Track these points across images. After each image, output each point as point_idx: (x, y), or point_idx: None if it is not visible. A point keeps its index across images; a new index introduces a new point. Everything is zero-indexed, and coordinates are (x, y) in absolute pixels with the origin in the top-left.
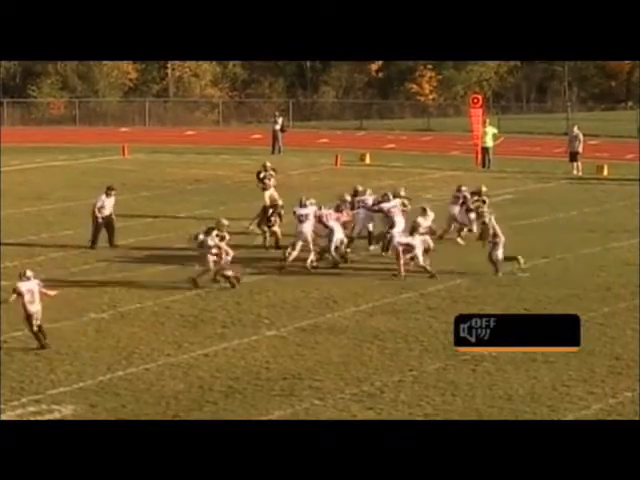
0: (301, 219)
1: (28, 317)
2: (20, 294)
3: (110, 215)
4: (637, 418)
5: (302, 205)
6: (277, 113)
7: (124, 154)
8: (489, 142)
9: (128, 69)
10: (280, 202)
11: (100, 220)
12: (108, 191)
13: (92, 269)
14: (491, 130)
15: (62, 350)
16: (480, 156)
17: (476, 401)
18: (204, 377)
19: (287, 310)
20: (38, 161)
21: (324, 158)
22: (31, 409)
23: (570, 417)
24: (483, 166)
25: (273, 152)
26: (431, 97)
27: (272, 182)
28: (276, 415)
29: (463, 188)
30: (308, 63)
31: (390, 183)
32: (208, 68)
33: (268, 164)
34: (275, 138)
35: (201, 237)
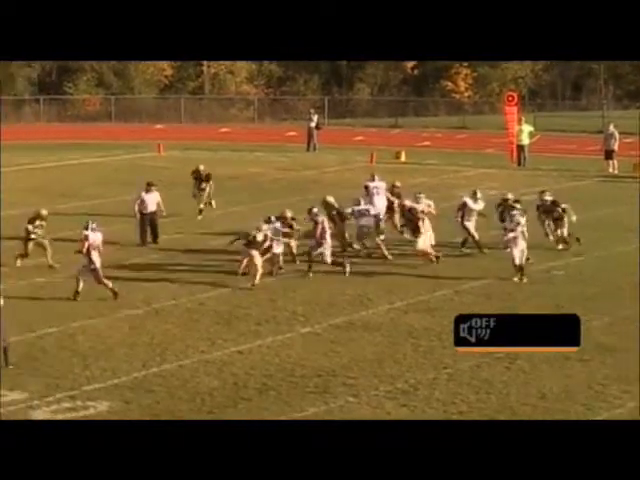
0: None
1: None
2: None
3: (154, 212)
4: None
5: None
6: (312, 110)
7: (159, 151)
8: (525, 140)
9: (164, 66)
10: None
11: (141, 216)
12: (148, 187)
13: (126, 266)
14: (527, 128)
15: (97, 346)
16: (515, 154)
17: (510, 399)
18: (238, 374)
19: (321, 307)
20: (74, 158)
21: (359, 156)
22: (66, 405)
23: (605, 416)
24: (519, 164)
25: (308, 149)
26: (466, 95)
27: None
28: (310, 412)
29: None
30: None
31: (424, 181)
32: (243, 65)
33: (201, 167)
34: (310, 135)
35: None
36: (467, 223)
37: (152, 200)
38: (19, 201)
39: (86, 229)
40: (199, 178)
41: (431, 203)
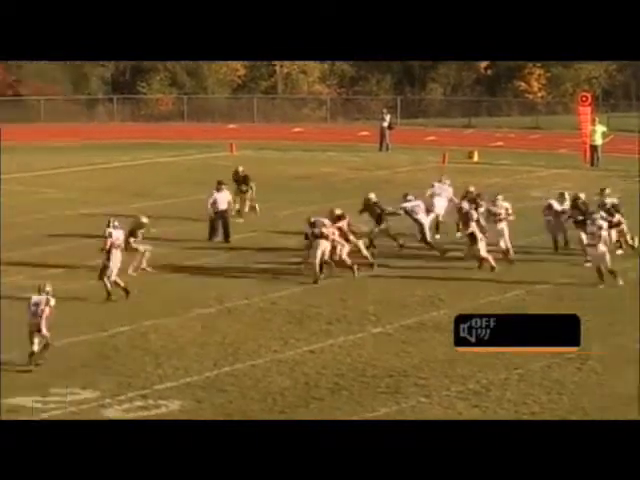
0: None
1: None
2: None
3: (225, 210)
4: None
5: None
6: (385, 110)
7: (231, 151)
8: (598, 140)
9: (237, 66)
10: None
11: (214, 215)
12: (219, 186)
13: (198, 264)
14: (600, 128)
15: (169, 345)
16: (589, 154)
17: (582, 400)
18: (310, 374)
19: (393, 307)
20: (147, 157)
21: (431, 156)
22: (138, 404)
23: None
24: (592, 164)
25: (380, 149)
26: (539, 95)
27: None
28: (382, 412)
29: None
30: None
31: (497, 181)
32: (316, 65)
33: (240, 169)
34: (382, 135)
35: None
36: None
37: (223, 199)
38: (93, 200)
39: (108, 226)
40: (238, 180)
41: (509, 206)
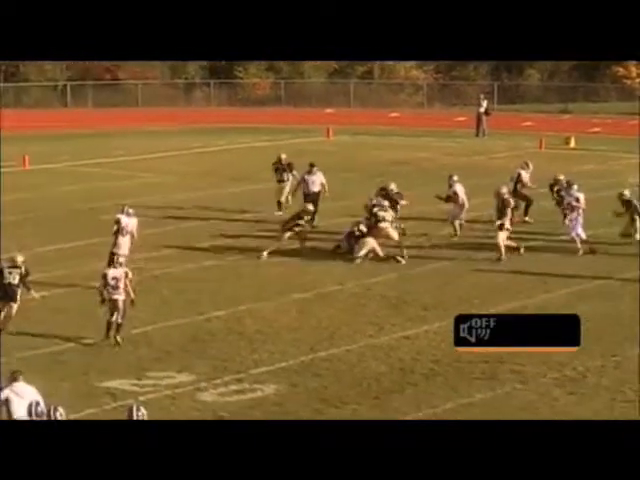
0: None
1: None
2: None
3: (317, 192)
4: None
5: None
6: (482, 96)
7: (328, 135)
8: None
9: None
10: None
11: (304, 196)
12: (310, 168)
13: (293, 249)
14: None
15: (264, 330)
16: None
17: None
18: (405, 359)
19: (496, 291)
20: (243, 141)
21: (528, 141)
22: (233, 388)
23: None
24: None
25: (477, 135)
26: (638, 80)
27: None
28: (477, 398)
29: None
30: None
31: (592, 167)
32: None
33: (283, 156)
34: (479, 121)
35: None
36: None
37: (315, 181)
38: (190, 184)
39: (121, 213)
40: (280, 168)
41: (580, 196)
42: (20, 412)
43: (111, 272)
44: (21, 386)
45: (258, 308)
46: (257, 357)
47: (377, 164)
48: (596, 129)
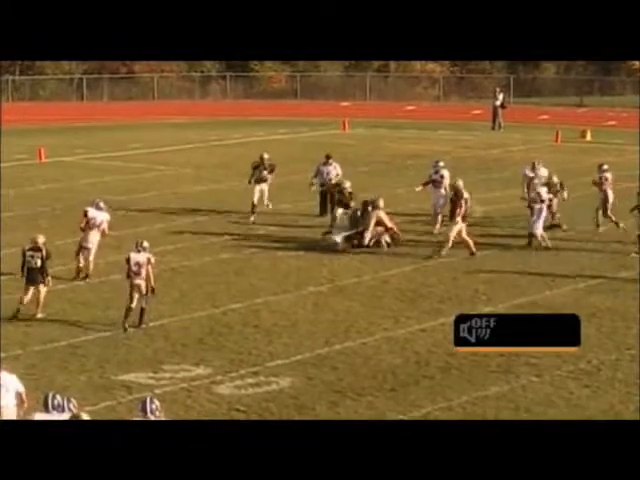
0: None
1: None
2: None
3: (334, 184)
4: None
5: None
6: (498, 89)
7: (344, 128)
8: None
9: None
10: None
11: (320, 188)
12: (326, 160)
13: (310, 242)
14: None
15: (280, 323)
16: None
17: None
18: (421, 352)
19: (505, 287)
20: (259, 134)
21: (544, 135)
22: (249, 380)
23: None
24: None
25: (493, 128)
26: None
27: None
28: (492, 391)
29: None
30: None
31: (609, 160)
32: None
33: (266, 156)
34: (495, 114)
35: None
36: None
37: (330, 172)
38: (206, 177)
39: (91, 206)
40: (261, 167)
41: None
42: (4, 401)
43: (134, 256)
44: (4, 376)
45: (275, 301)
46: (273, 350)
47: (394, 157)
48: (612, 122)
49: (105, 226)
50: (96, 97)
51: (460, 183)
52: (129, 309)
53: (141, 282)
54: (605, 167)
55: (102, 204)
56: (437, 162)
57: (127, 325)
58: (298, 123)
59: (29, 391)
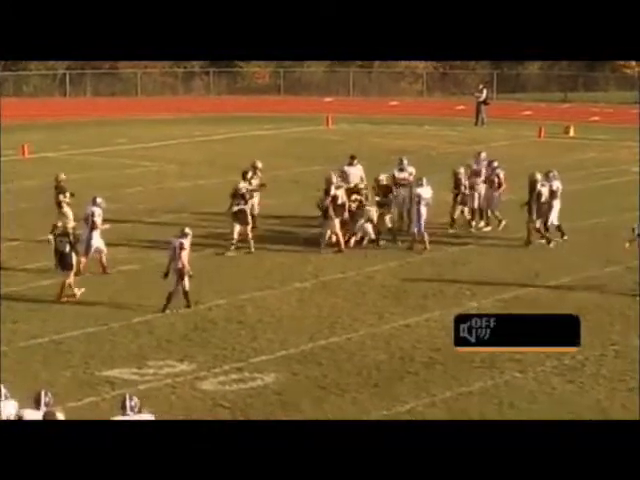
0: None
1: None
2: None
3: (356, 185)
4: None
5: None
6: (481, 85)
7: (328, 124)
8: None
9: None
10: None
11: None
12: (351, 160)
13: (297, 238)
14: None
15: (265, 319)
16: None
17: None
18: (405, 348)
19: (489, 282)
20: (243, 130)
21: (528, 130)
22: (233, 376)
23: None
24: None
25: (476, 124)
26: (637, 70)
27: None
28: (476, 387)
29: None
30: None
31: (593, 156)
32: None
33: (259, 165)
34: (478, 110)
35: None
36: None
37: (355, 173)
38: (190, 173)
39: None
40: (252, 176)
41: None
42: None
43: (173, 241)
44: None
45: (259, 297)
46: (258, 346)
47: (377, 152)
48: (595, 118)
49: (97, 220)
50: (79, 93)
51: (461, 170)
52: (170, 294)
53: (179, 266)
54: (495, 164)
55: (99, 199)
56: (401, 160)
57: (167, 310)
58: (282, 119)
59: (15, 387)
